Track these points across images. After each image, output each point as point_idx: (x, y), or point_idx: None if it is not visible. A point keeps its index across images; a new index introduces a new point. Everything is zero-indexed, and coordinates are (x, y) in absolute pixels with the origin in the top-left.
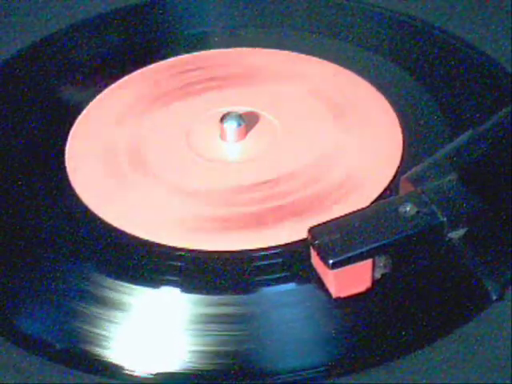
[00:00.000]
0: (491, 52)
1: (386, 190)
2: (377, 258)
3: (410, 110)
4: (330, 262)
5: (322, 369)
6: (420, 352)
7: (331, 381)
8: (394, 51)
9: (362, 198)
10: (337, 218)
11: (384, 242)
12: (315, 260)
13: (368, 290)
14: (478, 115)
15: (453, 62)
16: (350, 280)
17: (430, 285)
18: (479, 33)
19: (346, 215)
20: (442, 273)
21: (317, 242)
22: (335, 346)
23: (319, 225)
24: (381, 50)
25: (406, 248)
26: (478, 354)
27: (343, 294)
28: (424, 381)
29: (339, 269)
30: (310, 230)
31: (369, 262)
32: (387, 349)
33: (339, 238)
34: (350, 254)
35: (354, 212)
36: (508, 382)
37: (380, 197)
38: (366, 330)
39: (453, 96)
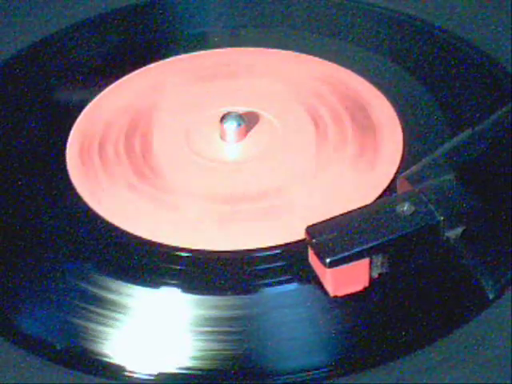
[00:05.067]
0: (491, 52)
1: (386, 189)
2: (374, 257)
3: (410, 109)
4: (327, 260)
5: (322, 369)
6: (420, 352)
7: (331, 381)
8: (394, 51)
9: (362, 197)
10: (334, 217)
11: (381, 241)
12: (312, 259)
13: (365, 289)
14: (478, 115)
15: (453, 62)
16: (347, 279)
17: (430, 285)
18: (479, 33)
19: (344, 214)
20: (442, 272)
21: (314, 240)
22: (335, 346)
23: (317, 223)
24: (381, 50)
25: (404, 247)
26: (478, 354)
27: (340, 293)
28: (424, 381)
29: (336, 267)
30: (308, 228)
31: (366, 261)
32: (387, 349)
33: (336, 237)
34: (346, 253)
35: (352, 211)
36: (508, 381)
37: (380, 197)
38: (365, 330)
39: (453, 96)
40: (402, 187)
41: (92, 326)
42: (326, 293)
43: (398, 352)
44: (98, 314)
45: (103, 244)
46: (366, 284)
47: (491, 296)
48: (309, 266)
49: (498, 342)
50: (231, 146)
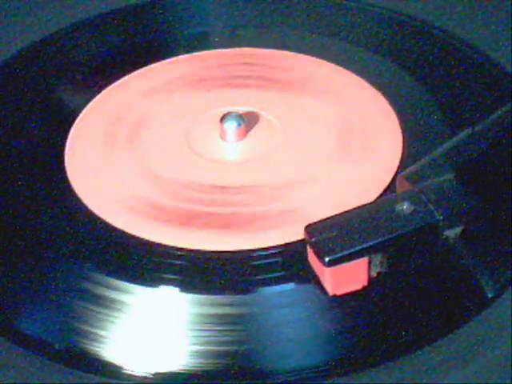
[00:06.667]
0: (491, 52)
1: (385, 189)
2: (373, 256)
3: (409, 109)
4: (326, 259)
5: (322, 369)
6: (420, 352)
7: (331, 381)
8: (394, 51)
9: (362, 197)
10: (333, 216)
11: (380, 240)
12: (312, 258)
13: (365, 289)
14: (477, 115)
15: (453, 62)
16: (346, 278)
17: (430, 285)
18: (479, 33)
19: (343, 213)
20: (442, 272)
21: (313, 239)
22: (335, 345)
23: (316, 222)
24: (381, 50)
25: (403, 246)
26: (478, 354)
27: (339, 292)
28: (424, 381)
29: (335, 266)
30: (307, 227)
31: (365, 260)
32: (387, 349)
33: (336, 236)
34: (346, 252)
35: (351, 210)
36: (508, 382)
37: (380, 196)
38: (365, 329)
39: (453, 96)
40: (402, 186)
41: (91, 325)
42: (325, 292)
43: (398, 352)
44: (98, 314)
45: (102, 244)
46: (365, 283)
47: (490, 295)
48: (308, 265)
49: (498, 342)
50: (231, 146)
